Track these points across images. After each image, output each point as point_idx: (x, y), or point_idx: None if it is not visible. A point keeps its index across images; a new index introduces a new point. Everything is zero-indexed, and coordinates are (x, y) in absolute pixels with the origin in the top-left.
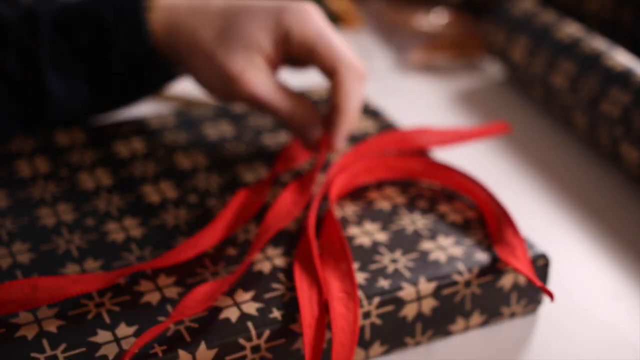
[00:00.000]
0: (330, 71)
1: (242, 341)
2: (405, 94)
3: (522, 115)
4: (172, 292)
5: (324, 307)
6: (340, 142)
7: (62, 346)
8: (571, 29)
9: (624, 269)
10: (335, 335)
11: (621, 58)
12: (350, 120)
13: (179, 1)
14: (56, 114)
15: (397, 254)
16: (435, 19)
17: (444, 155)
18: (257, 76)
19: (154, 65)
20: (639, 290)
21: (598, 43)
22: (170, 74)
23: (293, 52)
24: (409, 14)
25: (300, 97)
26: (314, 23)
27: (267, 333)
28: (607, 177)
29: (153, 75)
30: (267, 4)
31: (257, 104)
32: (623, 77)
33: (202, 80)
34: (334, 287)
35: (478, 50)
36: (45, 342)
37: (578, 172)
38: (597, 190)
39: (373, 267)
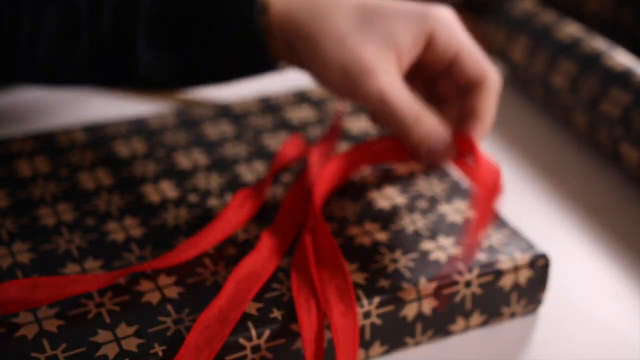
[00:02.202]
0: (474, 81)
1: (242, 341)
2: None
3: (522, 115)
4: (172, 292)
5: (322, 318)
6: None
7: (63, 346)
8: (571, 29)
9: (624, 269)
10: (337, 347)
11: (621, 58)
12: (487, 129)
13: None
14: (143, 81)
15: (397, 254)
16: None
17: None
18: (390, 73)
19: (258, 53)
20: (639, 290)
21: (598, 43)
22: (272, 65)
23: (432, 58)
24: None
25: (426, 108)
26: (459, 32)
27: (267, 333)
28: (607, 177)
29: (255, 63)
30: (410, 6)
31: (381, 104)
32: (623, 77)
33: (319, 72)
34: (332, 299)
35: None
36: (45, 342)
37: (578, 172)
38: (597, 190)
39: (373, 267)
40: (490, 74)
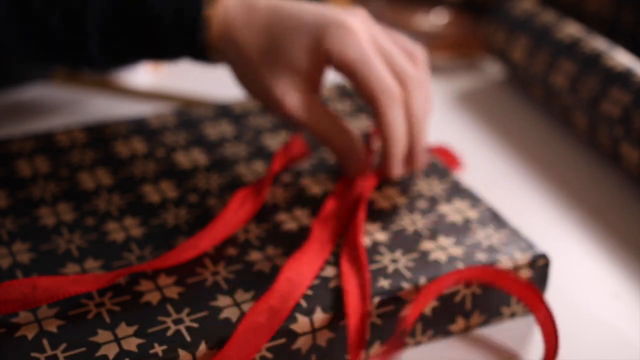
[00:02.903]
0: (369, 99)
1: None
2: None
3: (522, 115)
4: (172, 292)
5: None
6: (397, 169)
7: (63, 346)
8: (571, 29)
9: (624, 269)
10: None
11: (621, 58)
12: (399, 146)
13: (233, 12)
14: (89, 70)
15: (398, 254)
16: (436, 19)
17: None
18: (296, 99)
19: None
20: (639, 290)
21: (598, 43)
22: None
23: (337, 71)
24: (409, 14)
25: (342, 122)
26: (354, 46)
27: None
28: (607, 177)
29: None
30: (310, 19)
31: (299, 126)
32: (623, 77)
33: (250, 92)
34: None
35: (478, 50)
36: (45, 342)
37: (578, 172)
38: (597, 190)
39: (373, 267)
40: (380, 93)
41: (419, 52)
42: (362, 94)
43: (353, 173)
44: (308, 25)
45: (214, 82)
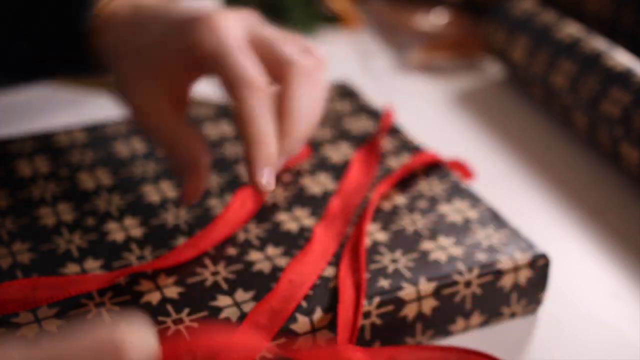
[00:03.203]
0: (228, 93)
1: None
2: (405, 94)
3: (522, 115)
4: (172, 292)
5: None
6: (258, 176)
7: None
8: (571, 29)
9: (624, 269)
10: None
11: (621, 58)
12: (260, 146)
13: (120, 16)
14: None
15: (397, 254)
16: (435, 19)
17: (446, 151)
18: (160, 112)
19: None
20: (639, 290)
21: (598, 43)
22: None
23: (203, 71)
24: (409, 14)
25: (191, 135)
26: (213, 37)
27: None
28: (607, 177)
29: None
30: (175, 16)
31: (161, 143)
32: (623, 77)
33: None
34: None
35: (478, 50)
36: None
37: (578, 172)
38: (597, 190)
39: (373, 267)
40: (236, 87)
41: (316, 49)
42: (223, 88)
43: (190, 189)
44: (175, 23)
45: (214, 82)
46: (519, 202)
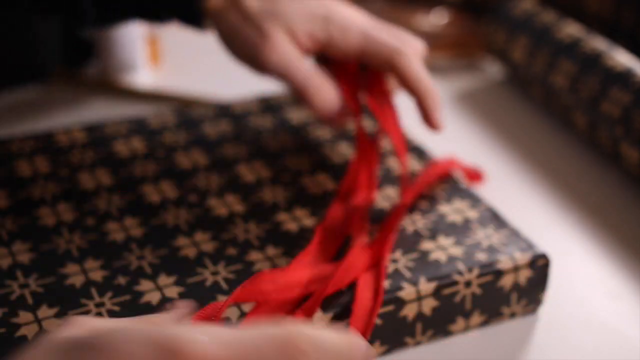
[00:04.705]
0: (386, 64)
1: None
2: (405, 94)
3: (522, 115)
4: (172, 291)
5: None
6: (439, 120)
7: None
8: (571, 29)
9: (624, 269)
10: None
11: (621, 58)
12: (433, 95)
13: None
14: (80, 26)
15: (397, 254)
16: (435, 19)
17: (445, 151)
18: (287, 46)
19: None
20: (639, 290)
21: (598, 43)
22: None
23: (338, 57)
24: (409, 14)
25: (322, 77)
26: (356, 29)
27: None
28: (607, 177)
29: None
30: (314, 4)
31: (282, 75)
32: (623, 77)
33: (229, 42)
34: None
35: (478, 50)
36: None
37: (578, 172)
38: (597, 190)
39: None
40: (395, 57)
41: (407, 35)
42: (376, 63)
43: (333, 122)
44: (313, 9)
45: (214, 82)
46: (519, 202)
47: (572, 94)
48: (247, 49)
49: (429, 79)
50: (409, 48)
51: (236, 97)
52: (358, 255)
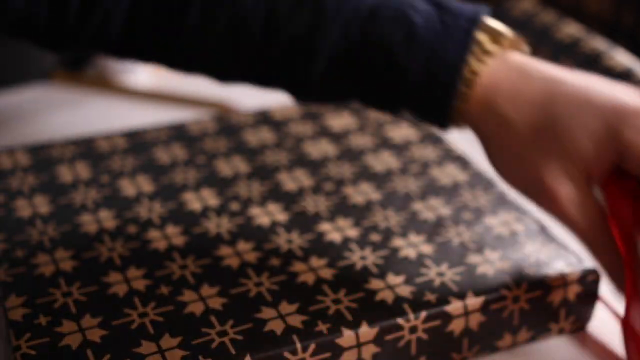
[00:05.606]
0: None
1: (287, 354)
2: None
3: None
4: (215, 302)
5: None
6: None
7: (107, 357)
8: (571, 29)
9: None
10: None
11: (621, 58)
12: None
13: (502, 78)
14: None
15: (444, 267)
16: None
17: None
18: (571, 193)
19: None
20: None
21: (598, 43)
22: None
23: (628, 167)
24: None
25: (608, 236)
26: None
27: (312, 347)
28: None
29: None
30: (602, 102)
31: (565, 224)
32: (623, 77)
33: (507, 174)
34: None
35: None
36: (89, 352)
37: None
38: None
39: (419, 280)
40: None
41: None
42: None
43: (617, 289)
44: (599, 108)
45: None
46: None
47: None
48: (520, 190)
49: None
50: None
51: (236, 97)
52: None
